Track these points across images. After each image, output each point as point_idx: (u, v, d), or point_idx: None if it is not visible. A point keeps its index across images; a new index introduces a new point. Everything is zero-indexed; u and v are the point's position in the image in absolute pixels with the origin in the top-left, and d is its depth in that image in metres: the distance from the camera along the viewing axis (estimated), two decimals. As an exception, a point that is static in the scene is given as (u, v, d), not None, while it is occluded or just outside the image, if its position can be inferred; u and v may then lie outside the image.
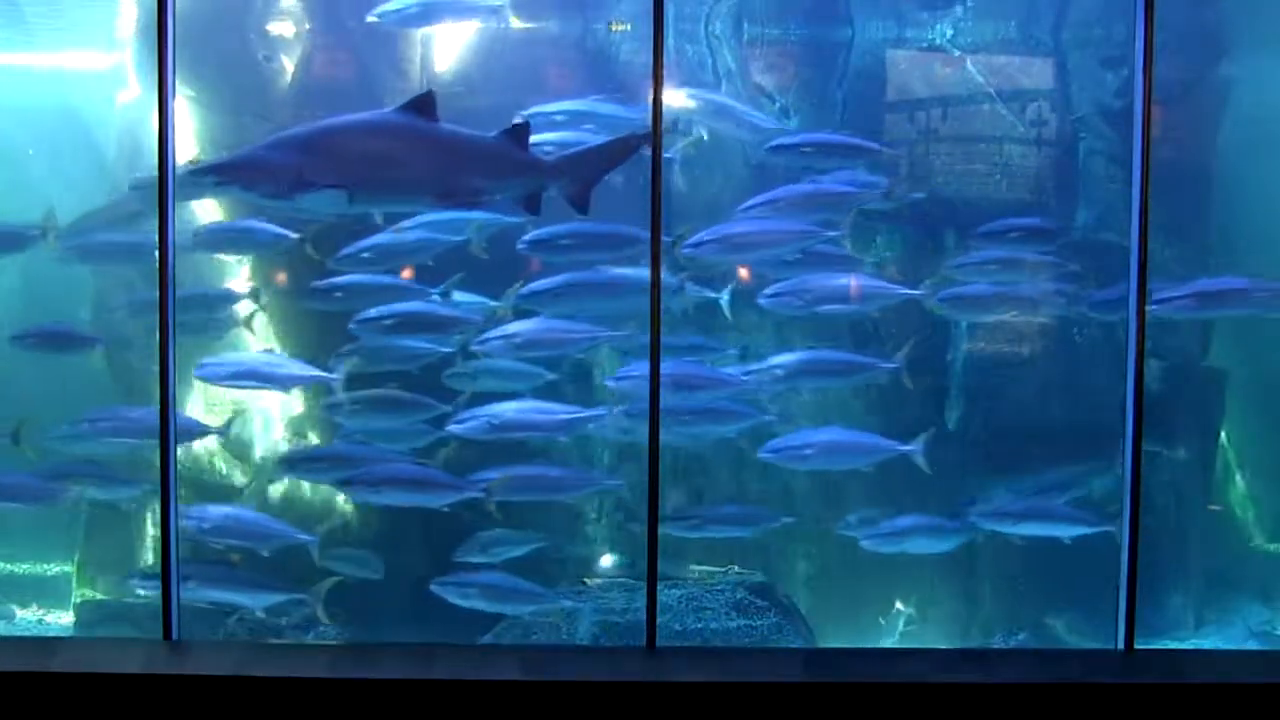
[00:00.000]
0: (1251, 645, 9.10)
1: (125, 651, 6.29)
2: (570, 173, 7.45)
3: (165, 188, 6.43)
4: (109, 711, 5.68)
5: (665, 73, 6.85)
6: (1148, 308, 8.25)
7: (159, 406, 6.47)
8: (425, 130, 7.16)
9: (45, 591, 9.43)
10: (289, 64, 9.15)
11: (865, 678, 5.89)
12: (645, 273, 7.67)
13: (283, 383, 8.46)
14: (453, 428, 8.23)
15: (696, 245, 8.14)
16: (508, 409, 8.24)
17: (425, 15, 8.81)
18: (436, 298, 8.37)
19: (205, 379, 8.35)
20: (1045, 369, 9.25)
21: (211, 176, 7.07)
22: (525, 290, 8.30)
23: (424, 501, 8.18)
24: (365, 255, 8.31)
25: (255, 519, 8.20)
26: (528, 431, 8.29)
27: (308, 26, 9.26)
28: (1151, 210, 6.48)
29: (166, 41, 6.30)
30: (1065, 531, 8.41)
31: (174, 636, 6.29)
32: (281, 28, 9.28)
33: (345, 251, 8.35)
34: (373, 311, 8.31)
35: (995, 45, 9.43)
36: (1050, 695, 5.78)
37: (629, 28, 9.32)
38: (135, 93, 9.26)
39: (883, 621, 9.24)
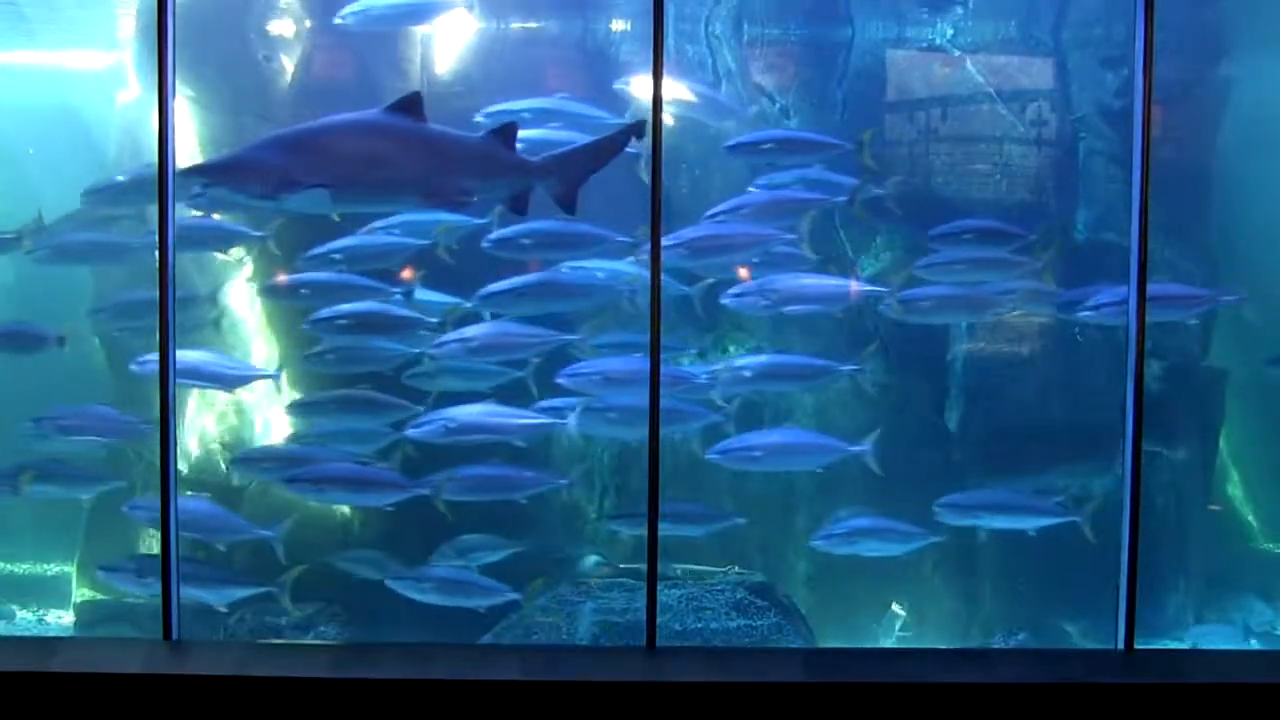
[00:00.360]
0: (1253, 645, 9.11)
1: (125, 651, 6.29)
2: (556, 173, 7.46)
3: (165, 188, 6.42)
4: (109, 711, 5.68)
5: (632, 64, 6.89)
6: (1087, 314, 8.36)
7: (159, 407, 6.46)
8: (411, 130, 7.17)
9: (45, 591, 9.43)
10: (289, 64, 9.16)
11: (865, 678, 5.89)
12: (598, 272, 7.80)
13: (222, 381, 8.47)
14: (410, 432, 8.25)
15: (675, 246, 8.15)
16: (465, 412, 8.24)
17: (391, 17, 8.81)
18: (398, 297, 8.38)
19: (144, 375, 8.32)
20: (1034, 369, 9.26)
21: (199, 178, 7.09)
22: (483, 292, 8.29)
23: (367, 501, 8.26)
24: (334, 257, 8.32)
25: (212, 512, 8.20)
26: (485, 435, 8.30)
27: (308, 26, 9.26)
28: (1149, 210, 6.47)
29: (166, 41, 6.30)
30: (1030, 524, 8.44)
31: (174, 636, 6.28)
32: (281, 28, 9.28)
33: (312, 252, 8.39)
34: (326, 311, 8.35)
35: (995, 45, 9.44)
36: (1050, 695, 5.78)
37: (629, 27, 9.32)
38: (135, 93, 9.27)
39: (878, 626, 9.24)
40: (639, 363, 8.11)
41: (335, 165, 7.02)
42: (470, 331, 8.29)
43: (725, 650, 7.68)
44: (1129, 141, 6.48)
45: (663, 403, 8.00)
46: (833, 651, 7.95)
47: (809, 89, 9.39)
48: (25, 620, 9.39)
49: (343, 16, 8.67)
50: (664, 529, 8.29)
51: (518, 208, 7.56)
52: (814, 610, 8.90)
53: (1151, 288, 7.81)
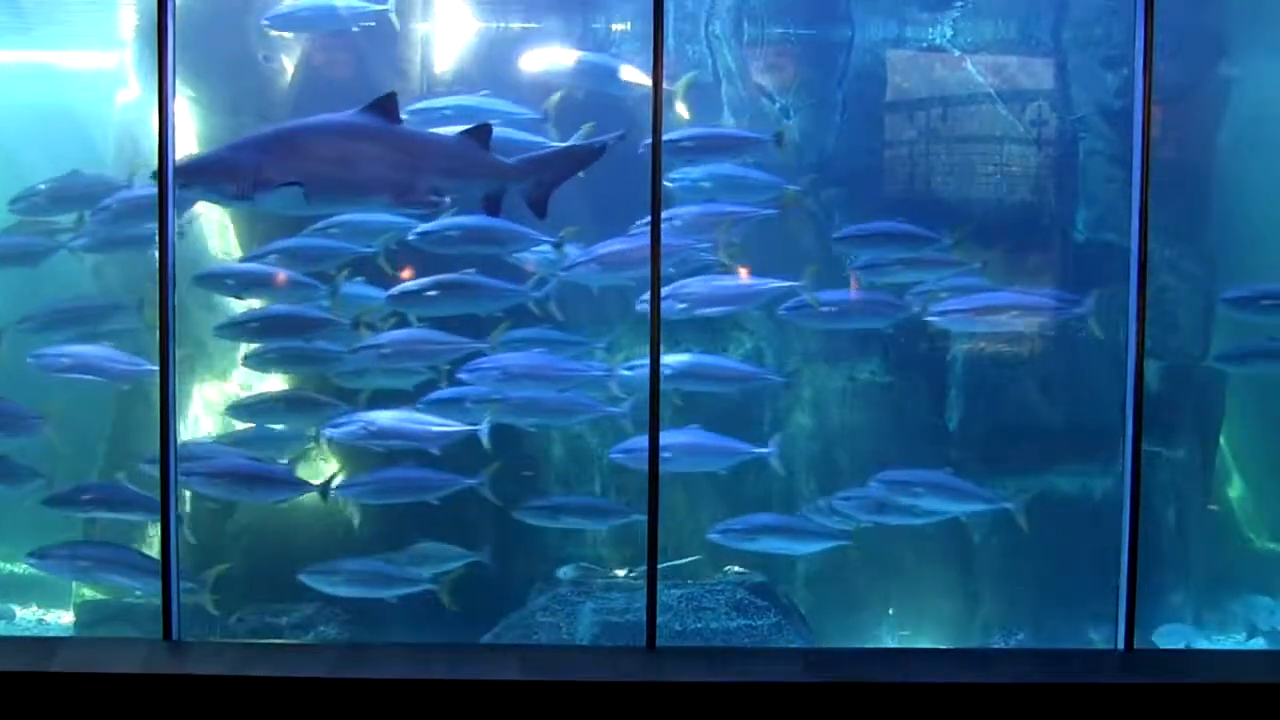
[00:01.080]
0: (1259, 644, 9.11)
1: (125, 651, 6.29)
2: (531, 175, 7.49)
3: (165, 188, 6.42)
4: (109, 711, 5.68)
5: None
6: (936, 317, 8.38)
7: (159, 407, 6.46)
8: (385, 131, 7.21)
9: (45, 591, 9.42)
10: (289, 64, 9.15)
11: (865, 678, 5.89)
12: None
13: (110, 375, 8.46)
14: (328, 432, 8.26)
15: (570, 268, 8.17)
16: (383, 416, 8.25)
17: (315, 19, 8.82)
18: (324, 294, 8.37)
19: (39, 367, 8.40)
20: (1033, 369, 9.26)
21: (176, 178, 7.10)
22: (395, 291, 8.28)
23: (261, 498, 8.29)
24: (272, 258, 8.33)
25: (120, 489, 8.23)
26: (401, 440, 8.30)
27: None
28: (1149, 210, 6.48)
29: (166, 41, 6.30)
30: (961, 508, 8.49)
31: (174, 636, 6.28)
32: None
33: (253, 253, 8.43)
34: (240, 315, 8.41)
35: (995, 45, 9.43)
36: (1050, 695, 5.78)
37: (629, 27, 9.32)
38: (135, 93, 9.27)
39: (879, 627, 9.24)
40: (539, 358, 8.23)
41: (309, 165, 7.04)
42: (385, 337, 8.27)
43: (725, 650, 7.68)
44: (1129, 141, 6.48)
45: (563, 395, 8.19)
46: (833, 651, 7.95)
47: (809, 89, 9.39)
48: (25, 620, 9.38)
49: (268, 19, 8.68)
50: (568, 522, 8.42)
51: (491, 209, 7.58)
52: (814, 610, 8.90)
53: (993, 295, 7.94)
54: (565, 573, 8.78)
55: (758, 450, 8.38)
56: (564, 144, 7.89)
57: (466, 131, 7.52)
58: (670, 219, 8.27)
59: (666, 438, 8.20)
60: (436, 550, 8.38)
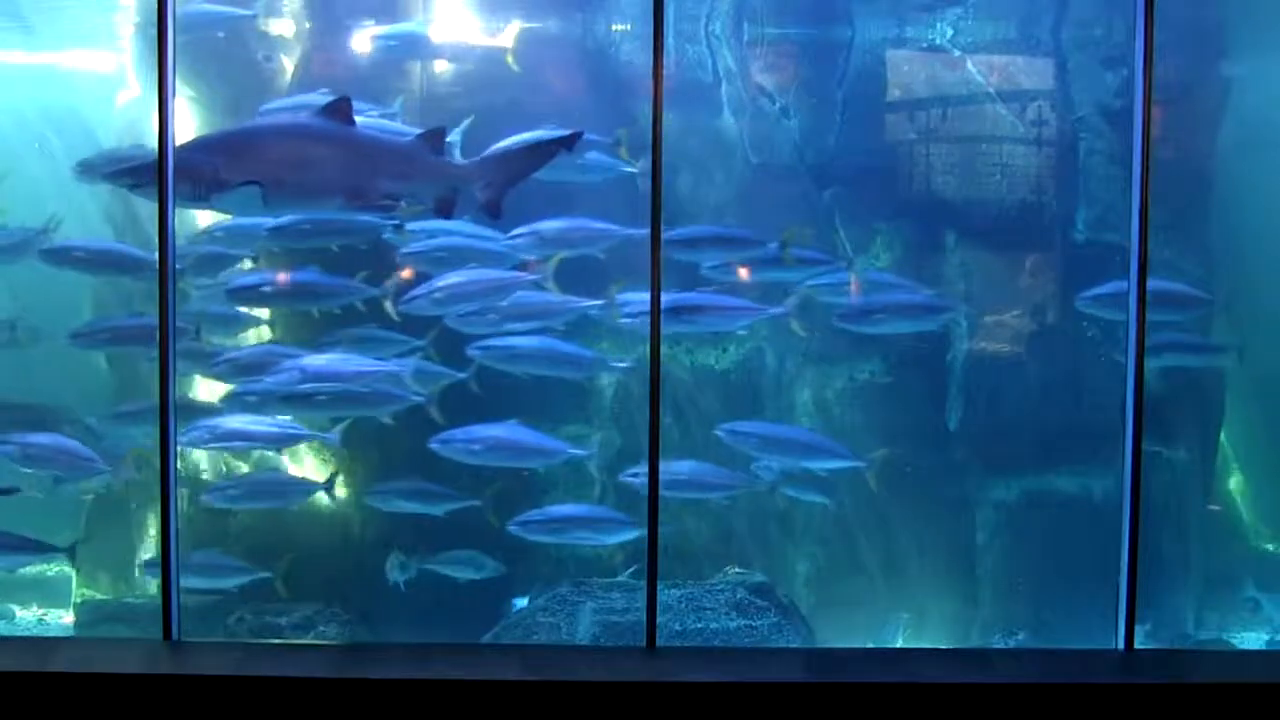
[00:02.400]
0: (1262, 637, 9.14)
1: (125, 651, 6.29)
2: (484, 177, 7.48)
3: (165, 187, 6.42)
4: (109, 711, 5.68)
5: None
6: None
7: (159, 407, 6.46)
8: (338, 132, 7.22)
9: (45, 591, 9.43)
10: (289, 64, 9.15)
11: (865, 678, 5.89)
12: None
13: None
14: (183, 438, 8.22)
15: (410, 301, 8.14)
16: (234, 421, 8.29)
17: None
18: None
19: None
20: (1033, 368, 9.27)
21: (128, 179, 7.13)
22: (234, 285, 8.28)
23: (76, 476, 8.32)
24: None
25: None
26: (252, 444, 8.39)
27: (308, 27, 9.26)
28: (1149, 210, 6.47)
29: (166, 41, 6.30)
30: (817, 464, 8.60)
31: (174, 636, 6.28)
32: (281, 28, 9.28)
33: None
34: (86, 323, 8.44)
35: (995, 45, 9.43)
36: (1050, 695, 5.78)
37: (629, 27, 9.32)
38: (135, 93, 9.27)
39: (881, 627, 9.24)
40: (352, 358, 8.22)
41: (263, 167, 7.04)
42: (307, 361, 8.26)
43: (725, 650, 7.68)
44: (1129, 141, 6.48)
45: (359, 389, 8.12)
46: (833, 651, 7.94)
47: (809, 89, 9.39)
48: (25, 620, 9.38)
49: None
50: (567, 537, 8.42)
51: (444, 211, 7.57)
52: (814, 610, 8.90)
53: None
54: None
55: (574, 451, 8.36)
56: (519, 144, 7.85)
57: (420, 134, 7.54)
58: (534, 232, 8.24)
59: (481, 431, 8.23)
60: (471, 558, 8.47)
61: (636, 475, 8.27)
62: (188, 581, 7.94)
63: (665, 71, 6.38)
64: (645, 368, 8.10)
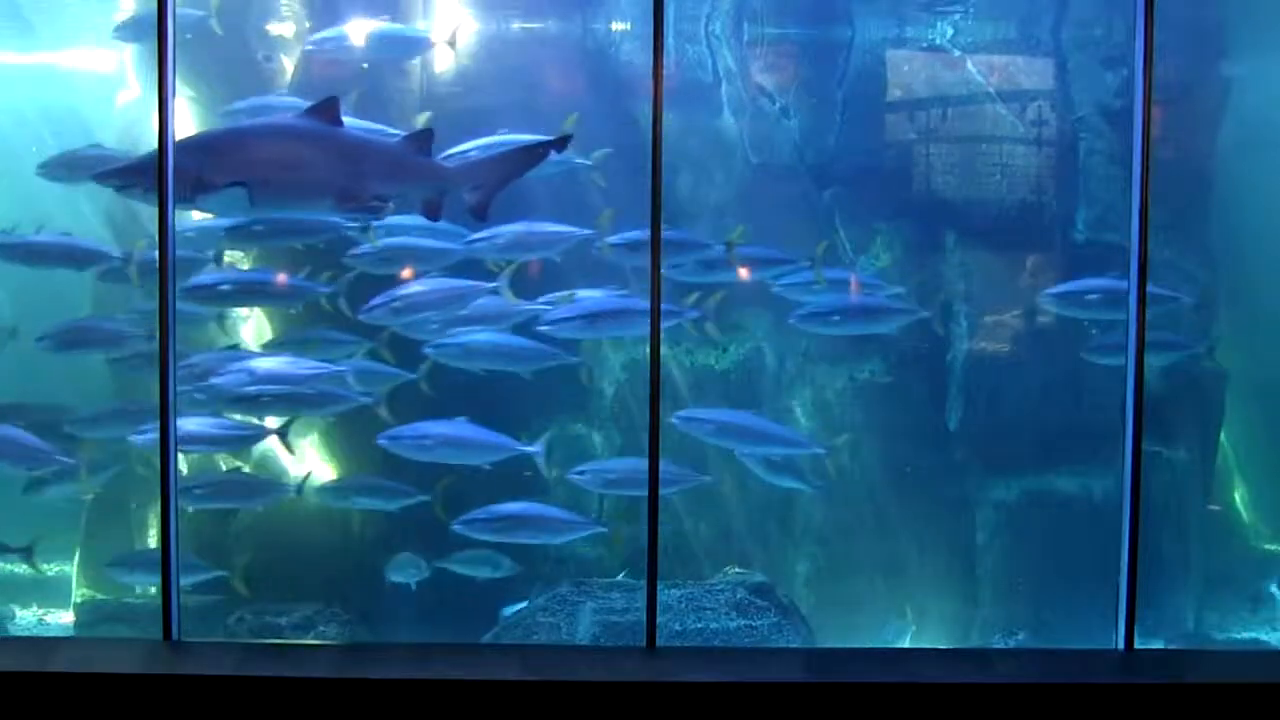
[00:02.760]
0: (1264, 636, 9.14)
1: (125, 651, 6.29)
2: (472, 179, 7.47)
3: (165, 187, 6.42)
4: (109, 711, 5.67)
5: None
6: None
7: (159, 406, 6.46)
8: (325, 133, 7.20)
9: (45, 591, 9.43)
10: (289, 64, 9.15)
11: (865, 678, 5.89)
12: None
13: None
14: (134, 438, 8.25)
15: (370, 310, 8.14)
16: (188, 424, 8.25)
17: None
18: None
19: None
20: (1033, 368, 9.28)
21: (115, 180, 7.11)
22: (190, 284, 8.22)
23: (28, 467, 8.30)
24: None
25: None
26: (209, 446, 8.44)
27: (308, 27, 9.26)
28: (1149, 210, 6.47)
29: (166, 41, 6.29)
30: (774, 451, 8.66)
31: (174, 636, 6.28)
32: (281, 28, 9.28)
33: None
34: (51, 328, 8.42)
35: (995, 45, 9.44)
36: (1050, 695, 5.78)
37: (629, 27, 9.33)
38: (135, 93, 9.27)
39: (881, 627, 9.24)
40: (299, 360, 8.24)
41: (250, 168, 7.01)
42: (254, 363, 8.30)
43: (725, 650, 7.68)
44: (1129, 141, 6.48)
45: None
46: (833, 651, 7.95)
47: (809, 89, 9.39)
48: (25, 620, 9.38)
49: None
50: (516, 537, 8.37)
51: (431, 213, 7.57)
52: (814, 610, 8.91)
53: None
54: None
55: (522, 448, 8.31)
56: (507, 147, 7.86)
57: (407, 136, 7.53)
58: (494, 236, 8.20)
59: (428, 427, 8.23)
60: (487, 557, 8.47)
61: (584, 473, 8.32)
62: (148, 578, 8.21)
63: (665, 71, 6.38)
64: (595, 361, 8.28)
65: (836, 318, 8.69)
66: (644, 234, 8.28)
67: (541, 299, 8.32)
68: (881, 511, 9.17)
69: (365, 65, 8.96)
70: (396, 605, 8.53)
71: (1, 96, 9.81)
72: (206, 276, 8.34)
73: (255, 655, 6.29)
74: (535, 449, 8.34)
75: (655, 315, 6.58)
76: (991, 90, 9.35)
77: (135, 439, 8.21)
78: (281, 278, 8.36)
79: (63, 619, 9.26)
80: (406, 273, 8.33)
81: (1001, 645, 8.87)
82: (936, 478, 9.13)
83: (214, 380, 8.11)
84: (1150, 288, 8.20)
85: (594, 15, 9.33)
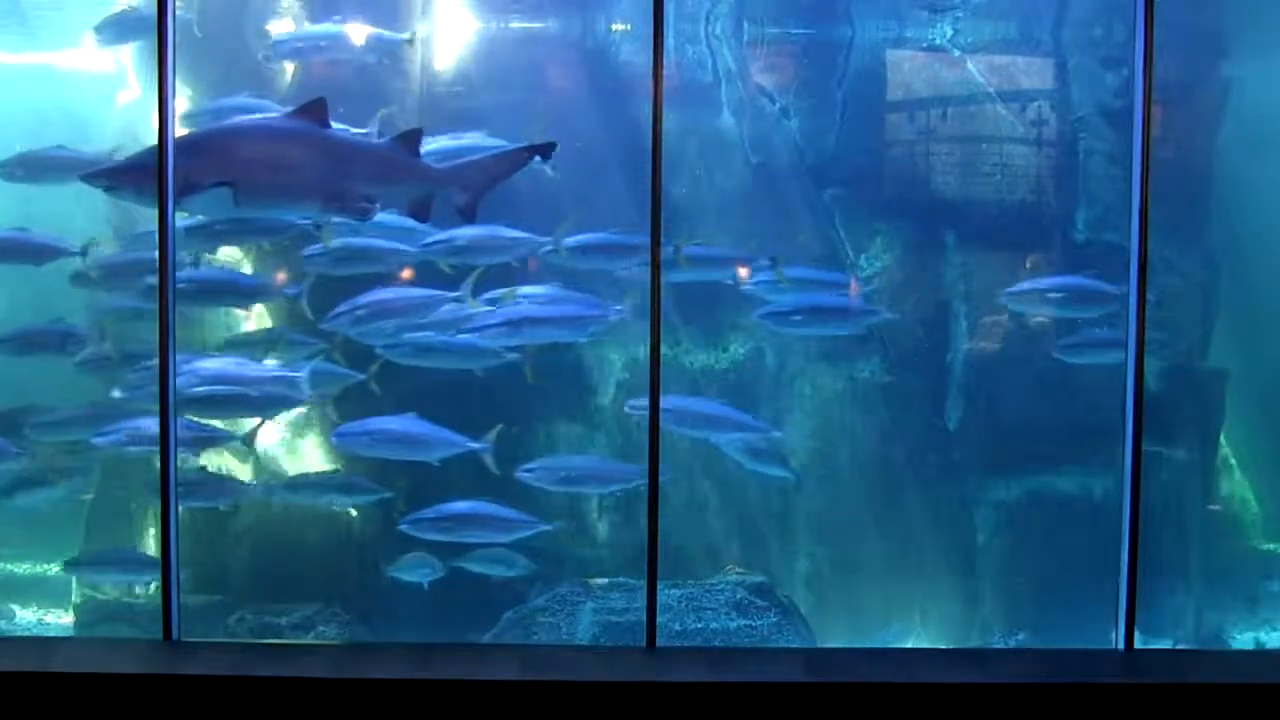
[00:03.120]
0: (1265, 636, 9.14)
1: (125, 651, 6.29)
2: (460, 181, 7.48)
3: (165, 186, 6.42)
4: (109, 711, 5.68)
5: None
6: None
7: (159, 405, 6.46)
8: (312, 134, 7.18)
9: (45, 591, 9.43)
10: (289, 64, 9.14)
11: (865, 678, 5.89)
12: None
13: None
14: (96, 440, 8.25)
15: (335, 318, 8.14)
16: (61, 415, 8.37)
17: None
18: None
19: None
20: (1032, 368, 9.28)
21: (102, 181, 7.09)
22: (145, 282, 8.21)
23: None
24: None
25: None
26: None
27: (308, 26, 9.25)
28: (1149, 210, 6.48)
29: (166, 41, 6.29)
30: (728, 436, 8.67)
31: (174, 636, 6.28)
32: (281, 28, 9.27)
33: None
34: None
35: (995, 45, 9.43)
36: (1050, 695, 5.78)
37: (629, 27, 9.33)
38: (135, 93, 9.26)
39: (881, 629, 9.24)
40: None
41: (236, 168, 6.99)
42: (202, 364, 8.29)
43: (725, 650, 7.68)
44: (1129, 141, 6.48)
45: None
46: (833, 651, 7.96)
47: (809, 89, 9.39)
48: (25, 620, 9.38)
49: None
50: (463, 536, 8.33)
51: (419, 214, 7.57)
52: (814, 610, 8.90)
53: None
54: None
55: (471, 444, 8.27)
56: (495, 149, 7.87)
57: (395, 137, 7.53)
58: (450, 240, 8.19)
59: (377, 423, 8.25)
60: (502, 556, 8.46)
61: (532, 470, 8.30)
62: (105, 577, 8.39)
63: (665, 71, 6.38)
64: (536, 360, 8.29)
65: (798, 317, 8.69)
66: (597, 237, 8.43)
67: (483, 297, 8.31)
68: (881, 511, 9.17)
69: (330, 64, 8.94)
70: (396, 605, 8.52)
71: (1, 96, 9.80)
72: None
73: (255, 655, 6.30)
74: (482, 445, 8.30)
75: (655, 315, 6.58)
76: (991, 90, 9.34)
77: (98, 441, 8.22)
78: (243, 277, 8.39)
79: (63, 619, 9.25)
80: (363, 273, 8.34)
81: (1001, 645, 8.87)
82: (936, 477, 9.13)
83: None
84: (1103, 286, 8.32)
85: (594, 15, 9.33)
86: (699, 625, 8.29)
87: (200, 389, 8.07)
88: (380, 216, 7.79)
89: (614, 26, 9.34)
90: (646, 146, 6.56)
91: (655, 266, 6.57)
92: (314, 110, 7.22)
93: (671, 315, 8.81)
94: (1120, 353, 8.32)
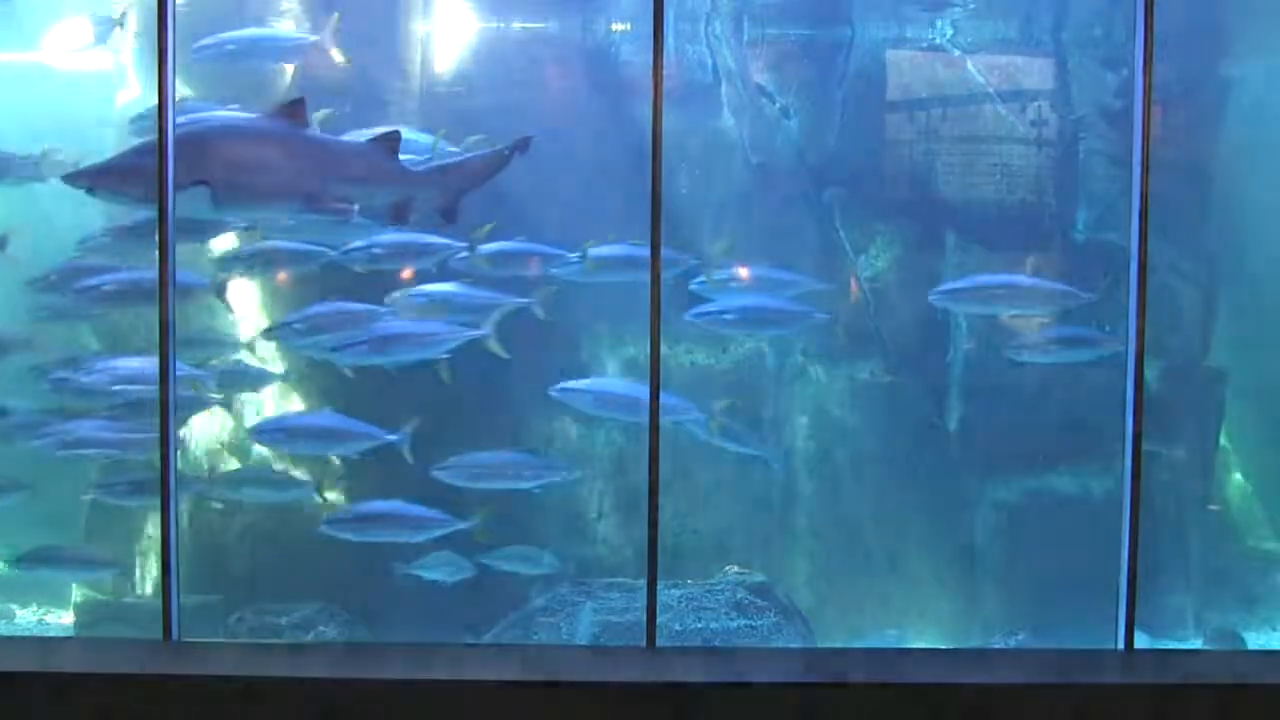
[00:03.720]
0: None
1: (125, 651, 6.28)
2: (439, 183, 7.47)
3: (165, 186, 6.42)
4: (109, 711, 5.68)
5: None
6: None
7: (159, 405, 6.46)
8: (291, 134, 7.16)
9: (45, 591, 9.43)
10: (288, 64, 9.15)
11: (865, 678, 5.89)
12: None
13: None
14: (36, 442, 8.26)
15: (285, 326, 8.19)
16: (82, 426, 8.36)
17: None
18: None
19: None
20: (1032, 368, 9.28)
21: (83, 182, 7.08)
22: (83, 284, 8.22)
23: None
24: None
25: None
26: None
27: (307, 26, 9.26)
28: (1149, 210, 6.47)
29: (166, 41, 6.29)
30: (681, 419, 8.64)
31: (174, 636, 6.28)
32: (281, 28, 9.27)
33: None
34: None
35: (995, 45, 9.44)
36: (1050, 695, 5.77)
37: (629, 27, 9.33)
38: (135, 93, 9.26)
39: (881, 630, 9.25)
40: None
41: (214, 168, 6.96)
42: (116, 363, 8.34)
43: (725, 650, 7.68)
44: (1129, 141, 6.48)
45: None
46: (833, 651, 7.94)
47: (809, 89, 9.40)
48: (25, 620, 9.38)
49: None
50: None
51: (399, 216, 7.56)
52: (814, 610, 8.91)
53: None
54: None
55: (387, 436, 8.25)
56: (473, 151, 7.87)
57: (374, 138, 7.51)
58: (371, 245, 8.17)
59: (294, 420, 8.40)
60: (526, 554, 8.50)
61: (447, 468, 8.28)
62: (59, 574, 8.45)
63: (665, 71, 6.38)
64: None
65: (729, 316, 8.68)
66: (513, 244, 8.43)
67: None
68: (881, 511, 9.17)
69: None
70: (396, 605, 8.52)
71: (1, 96, 9.81)
72: (97, 278, 8.30)
73: (255, 655, 6.29)
74: (398, 437, 8.27)
75: (655, 316, 6.57)
76: (991, 90, 9.35)
77: (37, 443, 8.23)
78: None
79: (63, 619, 9.26)
80: (282, 276, 8.44)
81: (1001, 645, 8.87)
82: (936, 477, 9.13)
83: (82, 380, 8.18)
84: (1059, 286, 8.33)
85: (594, 15, 9.33)
86: (699, 625, 8.29)
87: (115, 388, 8.13)
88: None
89: (614, 26, 9.34)
90: (646, 147, 6.56)
91: (655, 267, 6.57)
92: (293, 110, 7.20)
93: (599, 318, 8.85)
94: (1076, 352, 8.44)
